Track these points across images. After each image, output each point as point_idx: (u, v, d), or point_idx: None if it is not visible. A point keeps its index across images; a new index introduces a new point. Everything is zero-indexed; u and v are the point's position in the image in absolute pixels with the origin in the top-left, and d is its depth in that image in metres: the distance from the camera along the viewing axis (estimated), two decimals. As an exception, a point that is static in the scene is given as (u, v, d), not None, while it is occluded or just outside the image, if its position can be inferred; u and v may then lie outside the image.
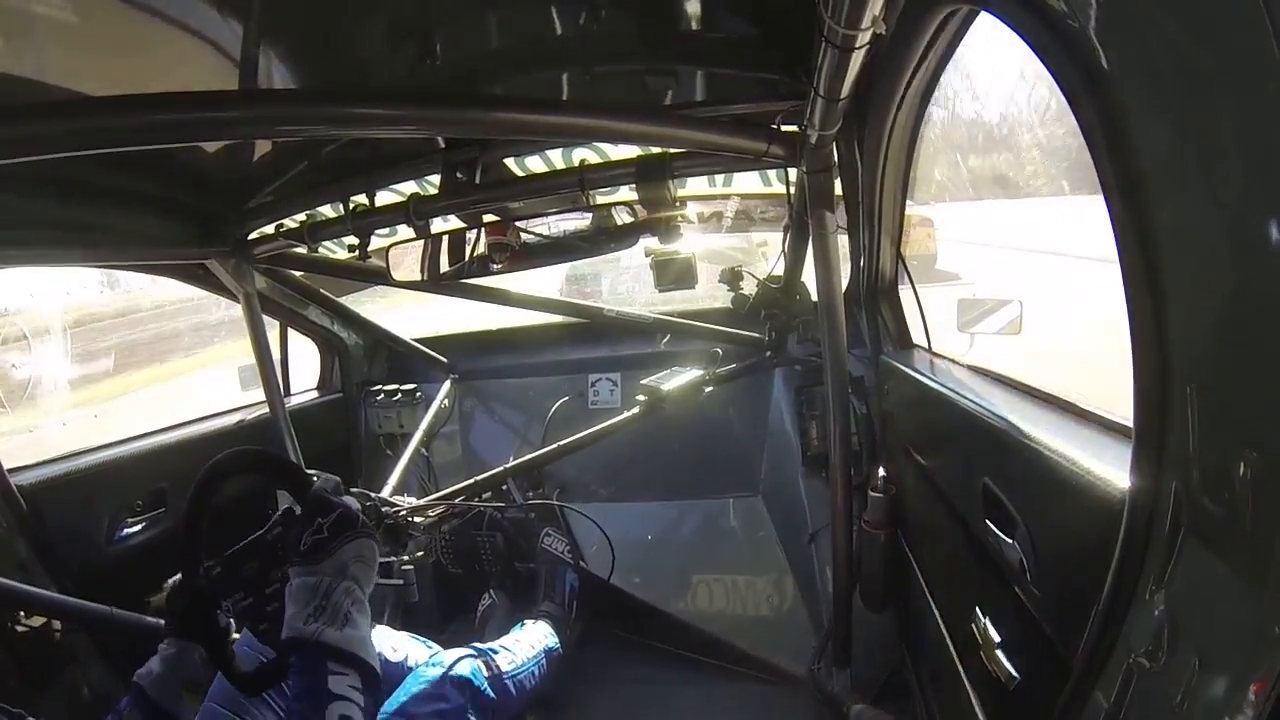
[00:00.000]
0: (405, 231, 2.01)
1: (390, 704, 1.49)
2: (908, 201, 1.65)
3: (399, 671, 1.63)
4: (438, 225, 1.94)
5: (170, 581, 1.27)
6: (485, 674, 1.68)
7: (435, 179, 1.81)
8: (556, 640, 2.08)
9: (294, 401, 2.72)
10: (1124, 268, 0.68)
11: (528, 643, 1.97)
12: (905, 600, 1.79)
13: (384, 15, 1.28)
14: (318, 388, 2.90)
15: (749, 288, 2.21)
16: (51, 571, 1.76)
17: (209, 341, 9.25)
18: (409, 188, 1.95)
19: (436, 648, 1.76)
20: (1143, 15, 0.59)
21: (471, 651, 1.74)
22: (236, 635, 1.29)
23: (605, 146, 1.79)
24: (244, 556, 1.22)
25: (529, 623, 2.13)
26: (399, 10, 1.27)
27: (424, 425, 2.69)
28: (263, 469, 1.29)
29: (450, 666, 1.62)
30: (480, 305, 2.47)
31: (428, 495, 2.18)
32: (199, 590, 1.21)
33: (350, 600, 1.07)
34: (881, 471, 1.80)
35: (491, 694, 1.66)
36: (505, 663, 1.79)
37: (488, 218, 1.87)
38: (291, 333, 2.75)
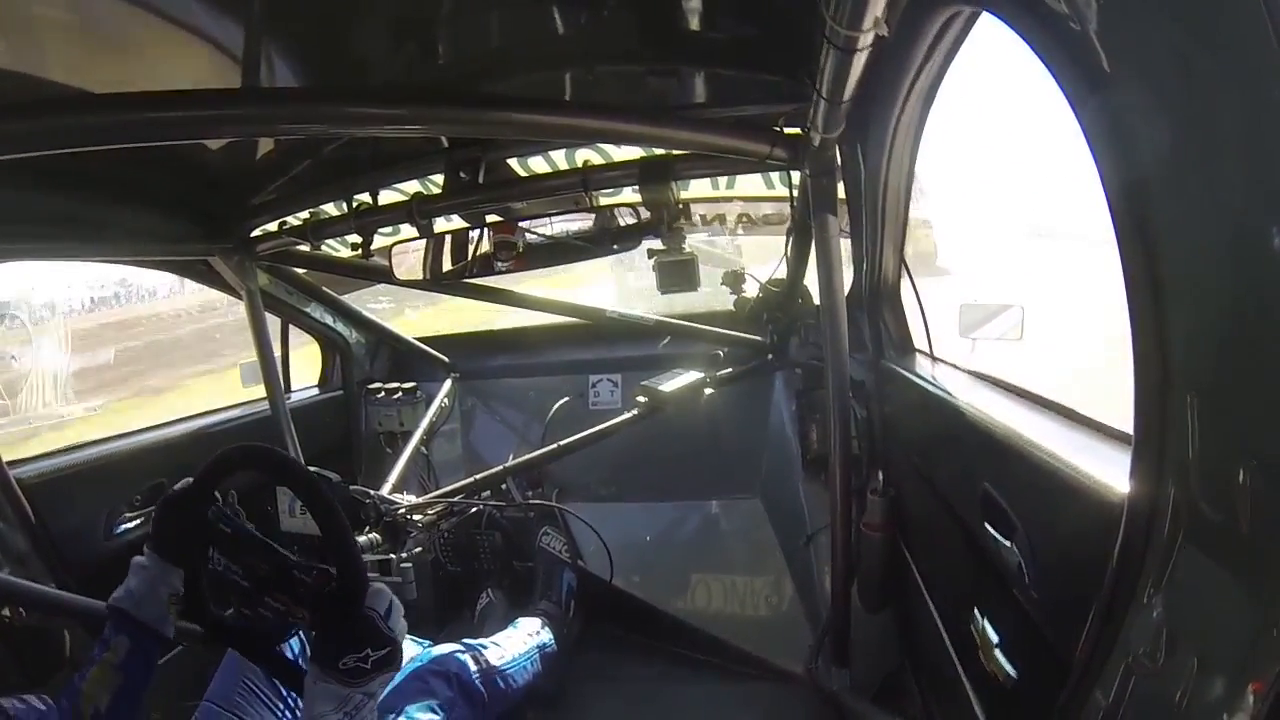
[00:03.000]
0: (408, 230, 2.02)
1: (381, 701, 1.50)
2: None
3: None
4: (440, 225, 1.94)
5: (177, 487, 1.25)
6: (474, 668, 1.69)
7: (438, 178, 1.82)
8: (551, 638, 2.08)
9: (295, 399, 2.72)
10: (1125, 272, 0.68)
11: (520, 639, 1.97)
12: (904, 601, 1.78)
13: (387, 14, 1.28)
14: (319, 385, 2.90)
15: (751, 290, 2.21)
16: (50, 566, 1.76)
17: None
18: (412, 187, 1.95)
19: (431, 646, 1.76)
20: (1143, 17, 0.59)
21: (460, 647, 1.75)
22: None
23: (608, 147, 1.80)
24: (258, 549, 1.21)
25: (523, 621, 2.13)
26: (402, 9, 1.27)
27: (424, 424, 2.70)
28: (273, 470, 1.29)
29: (438, 661, 1.63)
30: (482, 307, 2.47)
31: (427, 493, 2.18)
32: (202, 520, 1.21)
33: (372, 717, 1.11)
34: (881, 475, 1.79)
35: (480, 687, 1.66)
36: (495, 658, 1.79)
37: (491, 218, 1.87)
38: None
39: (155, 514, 1.25)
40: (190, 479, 1.25)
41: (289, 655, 1.43)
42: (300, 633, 1.43)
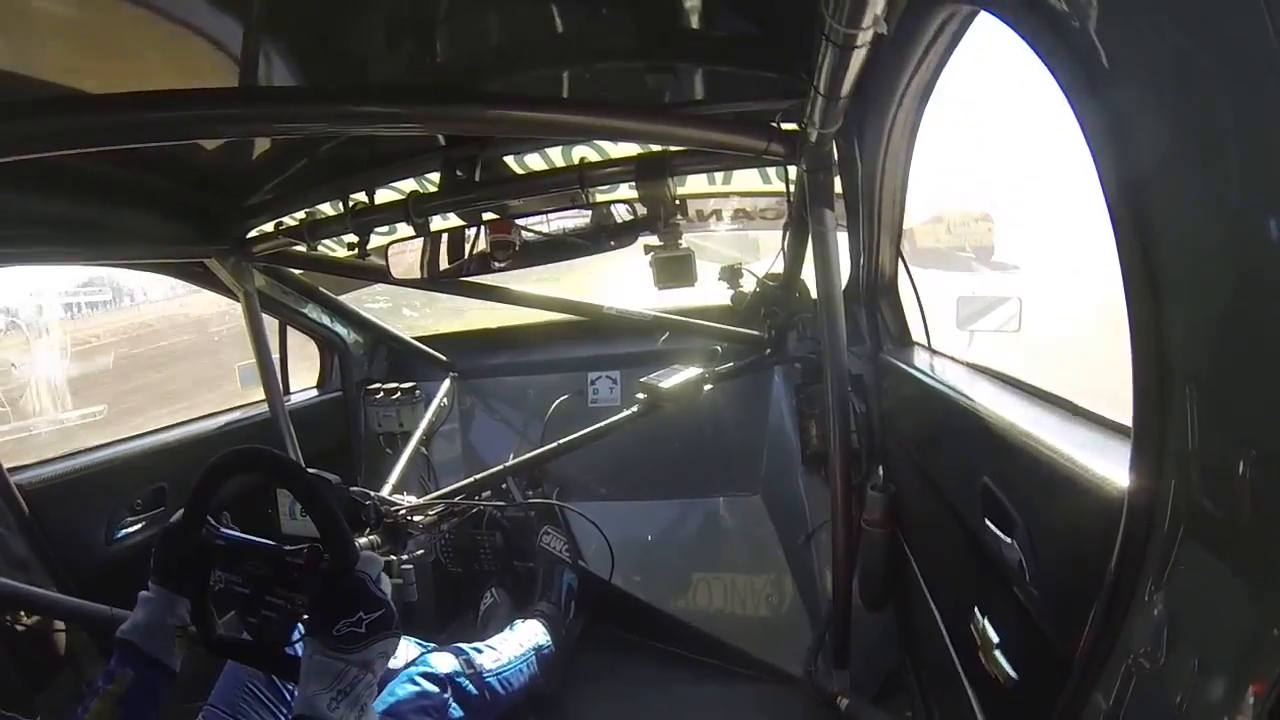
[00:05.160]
0: (405, 229, 2.01)
1: (377, 706, 1.51)
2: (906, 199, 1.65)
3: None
4: (437, 223, 1.94)
5: (173, 520, 1.26)
6: (466, 672, 1.70)
7: (435, 177, 1.81)
8: (549, 639, 2.09)
9: (294, 400, 2.71)
10: (1124, 267, 0.68)
11: (516, 641, 1.98)
12: (904, 599, 1.79)
13: (384, 12, 1.27)
14: (317, 386, 2.89)
15: (749, 285, 2.21)
16: (51, 570, 1.76)
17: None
18: (408, 185, 1.95)
19: (431, 649, 1.77)
20: (1143, 15, 0.59)
21: (455, 651, 1.76)
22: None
23: (605, 144, 1.79)
24: (253, 552, 1.23)
25: (520, 622, 2.13)
26: (399, 7, 1.26)
27: (424, 424, 2.70)
28: (267, 470, 1.30)
29: (433, 665, 1.65)
30: (481, 304, 2.47)
31: (427, 494, 2.18)
32: (200, 544, 1.23)
33: (368, 693, 1.10)
34: (881, 470, 1.79)
35: (474, 690, 1.67)
36: (490, 661, 1.80)
37: (487, 216, 1.87)
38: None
39: (155, 546, 1.25)
40: (181, 511, 1.26)
41: (297, 655, 1.44)
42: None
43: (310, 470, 1.34)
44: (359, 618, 1.09)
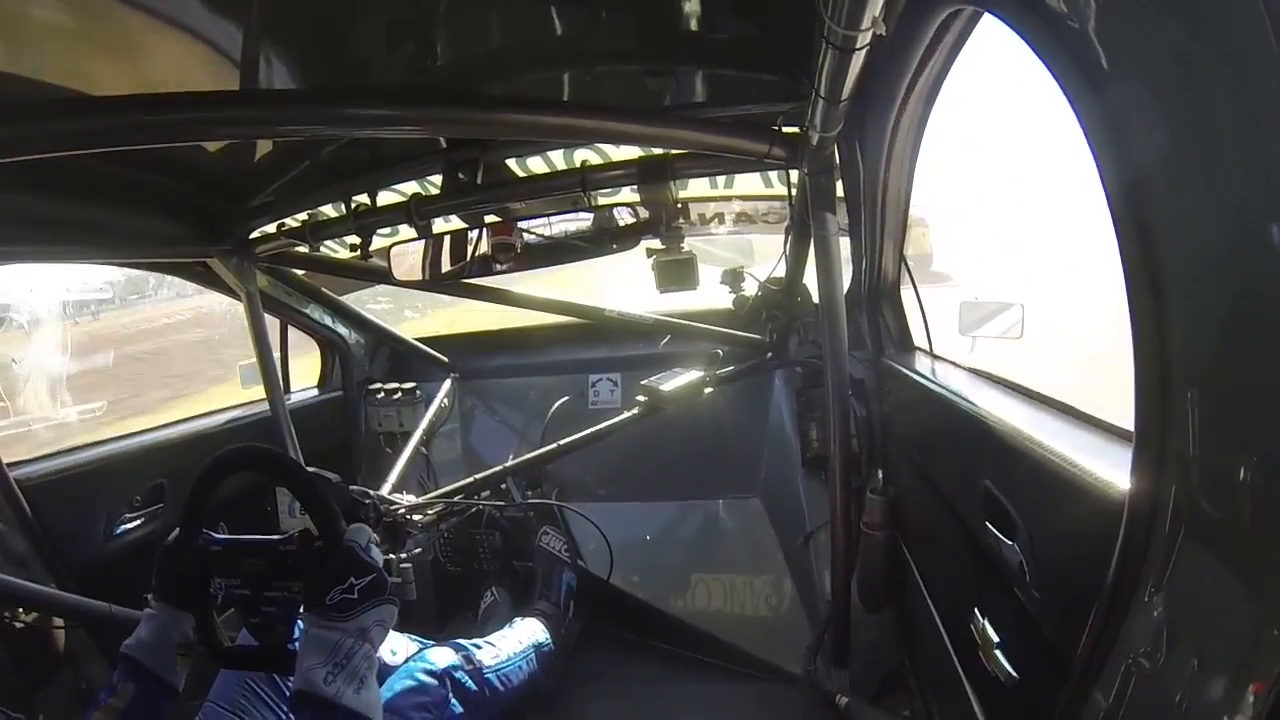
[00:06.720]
0: (407, 231, 2.02)
1: None
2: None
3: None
4: (439, 225, 1.94)
5: (170, 538, 1.27)
6: (465, 668, 1.69)
7: (437, 179, 1.82)
8: (548, 637, 2.09)
9: (294, 399, 2.72)
10: (1125, 268, 0.68)
11: (515, 639, 1.97)
12: (903, 601, 1.78)
13: (385, 15, 1.28)
14: (318, 386, 2.90)
15: (750, 289, 2.21)
16: (51, 567, 1.76)
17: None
18: (410, 187, 1.95)
19: (430, 646, 1.76)
20: (1143, 16, 0.59)
21: (454, 647, 1.76)
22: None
23: (607, 147, 1.79)
24: (248, 551, 1.23)
25: (519, 620, 2.13)
26: (399, 10, 1.27)
27: (424, 424, 2.70)
28: (269, 468, 1.30)
29: (432, 660, 1.65)
30: (482, 306, 2.47)
31: (427, 494, 2.18)
32: (196, 557, 1.23)
33: (367, 664, 1.10)
34: (880, 474, 1.79)
35: (474, 687, 1.67)
36: (489, 658, 1.80)
37: (489, 218, 1.87)
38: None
39: (155, 566, 1.25)
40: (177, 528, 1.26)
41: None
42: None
43: (310, 469, 1.35)
44: (350, 584, 1.10)
